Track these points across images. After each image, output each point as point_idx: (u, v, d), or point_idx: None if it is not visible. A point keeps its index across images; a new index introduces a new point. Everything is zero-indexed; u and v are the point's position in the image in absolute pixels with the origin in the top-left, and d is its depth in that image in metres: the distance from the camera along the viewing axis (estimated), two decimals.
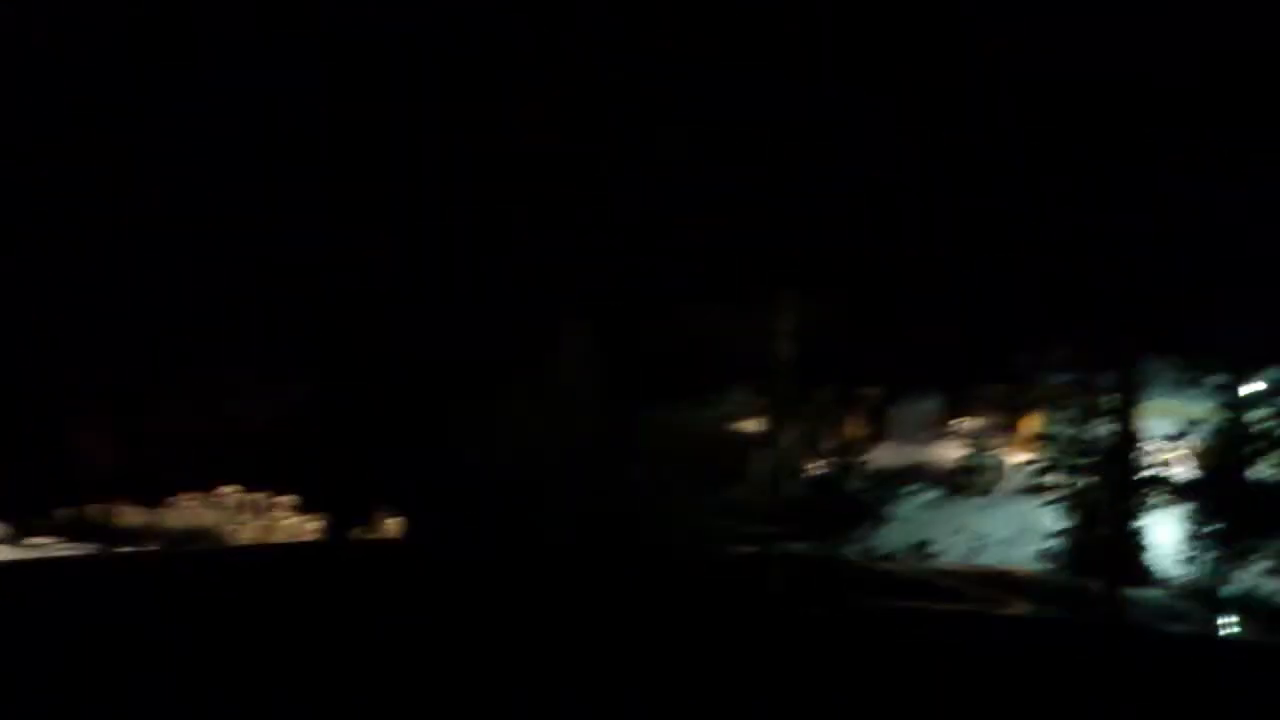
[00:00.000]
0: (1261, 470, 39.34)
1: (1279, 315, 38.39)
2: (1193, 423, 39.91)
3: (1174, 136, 39.69)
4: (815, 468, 49.37)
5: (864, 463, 48.21)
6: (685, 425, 55.13)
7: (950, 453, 58.20)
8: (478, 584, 24.87)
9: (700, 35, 47.88)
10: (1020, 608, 30.39)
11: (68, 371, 48.12)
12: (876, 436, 56.27)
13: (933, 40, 46.71)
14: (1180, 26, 39.33)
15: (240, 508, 48.06)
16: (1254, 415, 38.72)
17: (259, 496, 48.13)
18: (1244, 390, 39.07)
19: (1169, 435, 41.68)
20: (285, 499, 48.09)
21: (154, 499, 47.35)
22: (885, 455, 54.41)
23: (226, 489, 47.92)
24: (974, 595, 33.00)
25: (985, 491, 54.21)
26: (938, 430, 63.68)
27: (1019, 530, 47.72)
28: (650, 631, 20.35)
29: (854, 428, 52.30)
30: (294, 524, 47.96)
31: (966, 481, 54.80)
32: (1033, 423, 51.94)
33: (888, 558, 43.44)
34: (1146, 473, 41.79)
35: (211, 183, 49.20)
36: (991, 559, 45.33)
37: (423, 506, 46.86)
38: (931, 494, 53.87)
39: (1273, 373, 38.67)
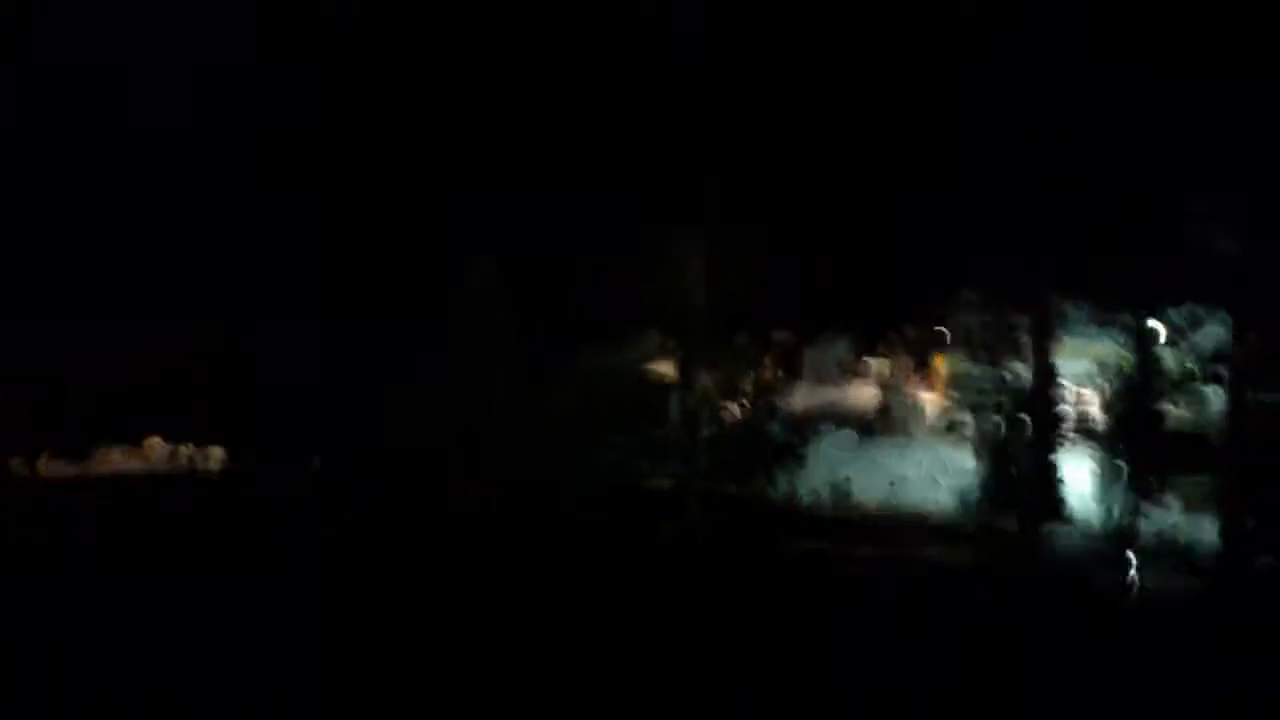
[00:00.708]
0: (1172, 410, 38.20)
1: (1188, 254, 37.05)
2: (1103, 363, 38.54)
3: (1065, 75, 38.31)
4: (733, 410, 47.95)
5: (781, 405, 46.66)
6: (601, 368, 53.87)
7: (866, 393, 57.22)
8: (404, 531, 23.22)
9: None
10: (938, 553, 28.98)
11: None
12: (791, 379, 55.06)
13: None
14: None
15: (170, 459, 45.56)
16: (1164, 355, 37.48)
17: (188, 449, 45.69)
18: (1154, 330, 37.84)
19: (1081, 376, 40.51)
20: (216, 450, 45.76)
21: (80, 453, 44.86)
22: (800, 398, 53.25)
23: (154, 440, 45.39)
24: (892, 539, 31.57)
25: (902, 432, 53.12)
26: (852, 372, 62.72)
27: (935, 470, 46.67)
28: (574, 572, 18.79)
29: (769, 371, 50.83)
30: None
31: (882, 422, 53.65)
32: (947, 364, 50.94)
33: (808, 498, 41.92)
34: (1061, 413, 40.87)
35: (136, 136, 47.07)
36: (908, 499, 43.98)
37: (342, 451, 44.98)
38: (847, 435, 52.70)
39: (1182, 312, 37.43)
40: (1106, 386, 40.46)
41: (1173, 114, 37.03)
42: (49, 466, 44.14)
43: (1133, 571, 33.01)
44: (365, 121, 47.83)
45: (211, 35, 45.53)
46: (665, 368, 58.68)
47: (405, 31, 46.92)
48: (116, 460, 45.15)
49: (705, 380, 52.07)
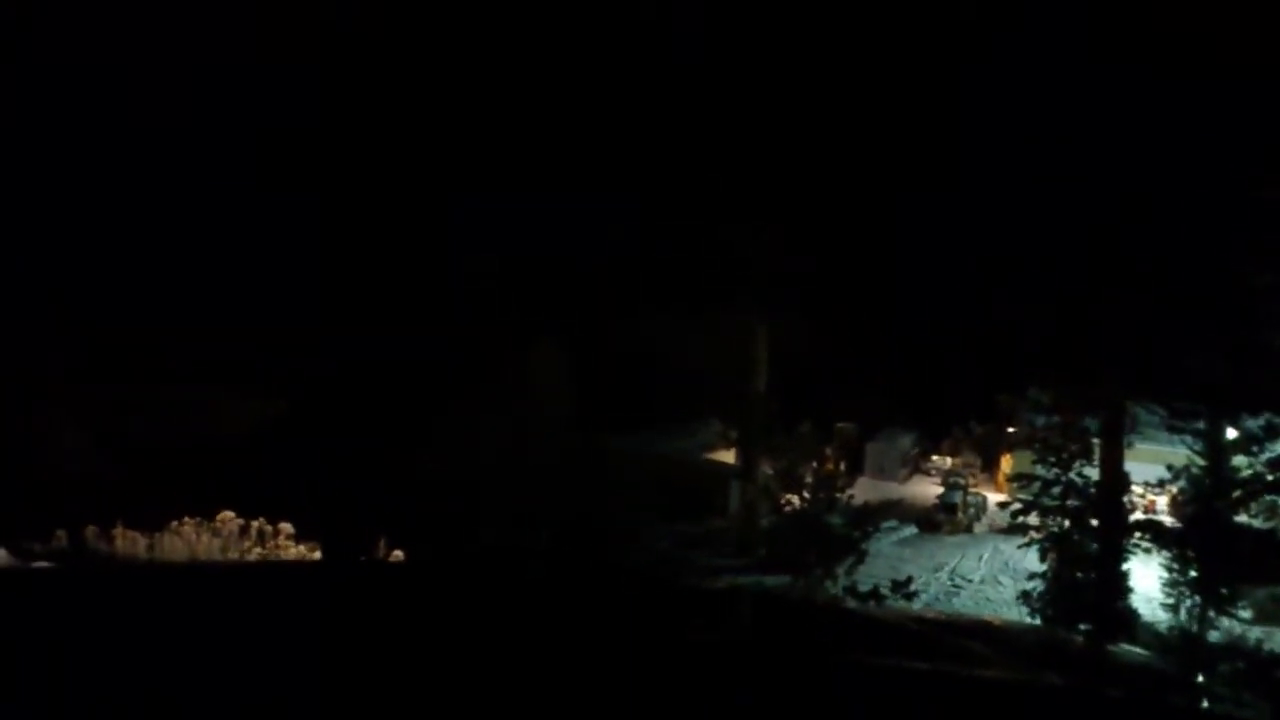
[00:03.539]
0: (1244, 517, 35.94)
1: (1262, 362, 34.97)
2: (1174, 468, 36.37)
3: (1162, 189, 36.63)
4: (793, 501, 46.10)
5: (843, 498, 44.68)
6: (662, 454, 52.62)
7: (928, 489, 55.48)
8: (455, 612, 21.58)
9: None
10: (1000, 666, 26.82)
11: (54, 387, 45.22)
12: (854, 472, 53.33)
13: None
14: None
15: (242, 534, 44.22)
16: (1237, 462, 35.23)
17: (259, 523, 44.36)
18: (1226, 436, 35.65)
19: (1152, 480, 38.34)
20: (285, 526, 44.40)
21: (153, 524, 43.63)
22: (863, 491, 51.55)
23: (226, 515, 44.11)
24: (952, 648, 29.32)
25: (965, 529, 51.07)
26: (916, 467, 60.91)
27: (998, 570, 44.63)
28: (612, 665, 17.12)
29: (831, 462, 48.95)
30: (299, 552, 44.19)
31: (946, 519, 51.60)
32: (1014, 463, 48.98)
33: (869, 595, 39.81)
34: (1132, 517, 38.70)
35: (204, 197, 46.46)
36: (970, 598, 41.92)
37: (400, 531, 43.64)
38: (910, 530, 50.79)
39: (1256, 420, 35.24)
40: (1178, 492, 38.42)
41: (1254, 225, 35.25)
42: (125, 537, 42.97)
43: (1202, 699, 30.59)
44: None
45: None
46: (728, 455, 57.28)
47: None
48: (188, 534, 43.90)
49: (766, 469, 50.50)
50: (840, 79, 44.72)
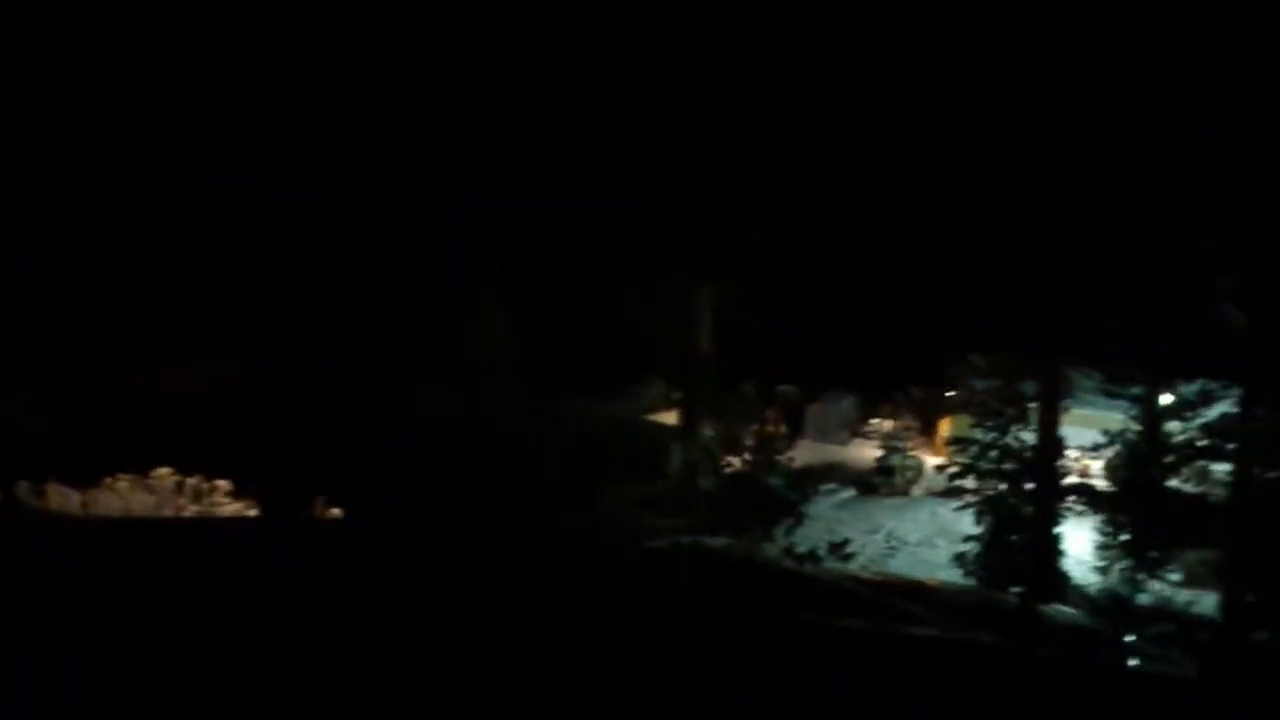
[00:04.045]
0: (1176, 482, 36.74)
1: (1196, 330, 35.67)
2: (1110, 433, 37.11)
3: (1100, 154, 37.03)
4: (734, 463, 46.60)
5: (783, 459, 45.25)
6: (603, 415, 52.70)
7: (868, 452, 55.89)
8: (394, 576, 21.72)
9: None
10: (934, 626, 27.30)
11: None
12: (794, 434, 53.75)
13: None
14: None
15: (178, 491, 43.79)
16: (1171, 427, 35.99)
17: (196, 481, 43.94)
18: (1161, 402, 36.38)
19: (1087, 445, 39.07)
20: (222, 483, 44.06)
21: (87, 480, 43.15)
22: (803, 453, 51.97)
23: (162, 471, 43.69)
24: (889, 608, 29.84)
25: (902, 492, 51.65)
26: (856, 430, 61.43)
27: (934, 532, 45.25)
28: (555, 628, 17.37)
29: (773, 424, 49.42)
30: (235, 509, 43.86)
31: (884, 482, 52.17)
32: (953, 426, 49.59)
33: (806, 557, 40.31)
34: (1066, 481, 39.46)
35: (153, 160, 46.10)
36: (906, 560, 42.49)
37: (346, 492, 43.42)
38: (848, 493, 51.31)
39: (1190, 386, 36.00)
40: (1113, 457, 39.21)
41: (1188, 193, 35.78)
42: (55, 494, 42.53)
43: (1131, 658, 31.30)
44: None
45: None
46: (669, 417, 57.61)
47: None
48: (124, 490, 43.51)
49: (708, 431, 50.91)
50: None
